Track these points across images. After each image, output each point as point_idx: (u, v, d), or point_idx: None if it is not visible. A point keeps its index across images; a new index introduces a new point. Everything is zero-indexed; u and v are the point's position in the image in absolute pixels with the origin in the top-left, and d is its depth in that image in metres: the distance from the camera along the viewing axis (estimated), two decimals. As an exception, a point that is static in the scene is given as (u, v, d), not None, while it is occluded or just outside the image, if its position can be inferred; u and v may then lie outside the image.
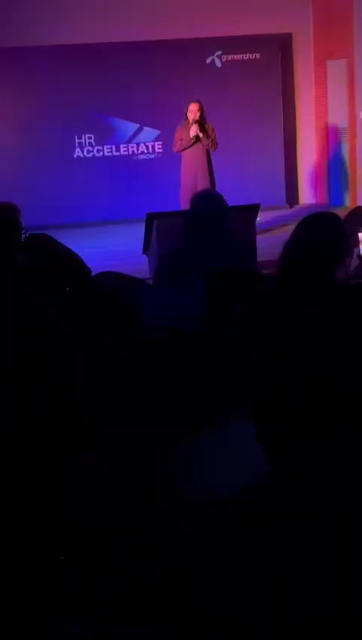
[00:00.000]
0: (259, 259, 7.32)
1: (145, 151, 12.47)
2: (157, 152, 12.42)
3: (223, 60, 12.41)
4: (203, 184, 9.41)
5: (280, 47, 12.67)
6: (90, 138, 12.24)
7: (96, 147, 12.31)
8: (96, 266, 4.31)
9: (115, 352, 1.86)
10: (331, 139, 12.89)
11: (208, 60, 12.38)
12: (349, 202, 12.05)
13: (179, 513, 1.46)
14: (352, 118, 12.11)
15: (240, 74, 12.34)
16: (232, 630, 1.28)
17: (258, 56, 12.45)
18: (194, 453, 1.63)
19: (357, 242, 4.92)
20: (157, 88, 11.96)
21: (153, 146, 12.44)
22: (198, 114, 9.54)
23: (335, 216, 3.31)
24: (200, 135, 9.56)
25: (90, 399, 1.79)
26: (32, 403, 1.97)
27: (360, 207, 7.22)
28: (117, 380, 1.78)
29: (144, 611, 1.49)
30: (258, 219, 8.89)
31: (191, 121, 9.56)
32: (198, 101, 9.62)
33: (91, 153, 12.31)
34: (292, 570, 1.26)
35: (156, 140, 12.37)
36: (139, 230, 8.92)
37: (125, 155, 12.43)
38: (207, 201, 4.45)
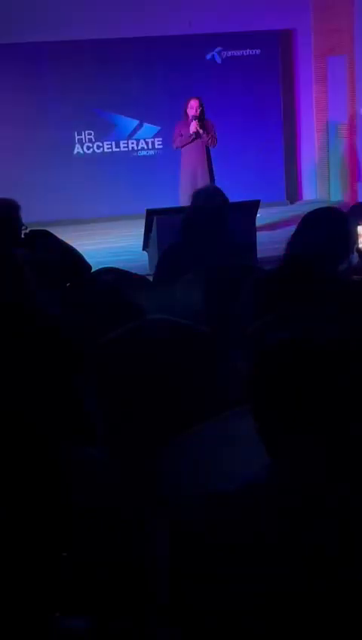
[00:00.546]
0: (259, 255, 7.31)
1: (145, 147, 12.46)
2: (157, 149, 12.40)
3: (223, 56, 12.38)
4: (202, 180, 9.40)
5: (281, 43, 12.65)
6: (89, 134, 12.22)
7: (96, 143, 12.29)
8: (95, 262, 4.31)
9: (115, 348, 1.86)
10: (331, 135, 12.87)
11: (208, 56, 12.35)
12: (349, 198, 12.03)
13: (179, 508, 1.46)
14: (352, 114, 12.10)
15: (240, 70, 12.32)
16: (230, 625, 1.27)
17: (258, 52, 12.43)
18: (194, 447, 1.63)
19: (357, 237, 4.91)
20: (157, 84, 11.94)
21: (153, 143, 12.43)
22: (198, 110, 9.53)
23: (339, 211, 3.31)
24: (200, 131, 9.54)
25: (90, 395, 1.79)
26: (32, 399, 1.97)
27: (360, 203, 7.21)
28: (117, 376, 1.78)
29: (144, 607, 1.49)
30: (258, 215, 8.88)
31: (191, 118, 9.55)
32: (198, 97, 9.60)
33: (91, 149, 12.30)
34: (292, 566, 1.26)
35: (156, 136, 12.35)
36: (139, 226, 8.91)
37: (125, 152, 12.41)
38: (209, 196, 4.45)
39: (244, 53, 12.41)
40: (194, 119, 9.51)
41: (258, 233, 8.49)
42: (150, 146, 12.44)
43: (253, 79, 12.29)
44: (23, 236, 4.44)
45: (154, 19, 11.66)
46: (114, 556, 1.57)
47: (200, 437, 1.65)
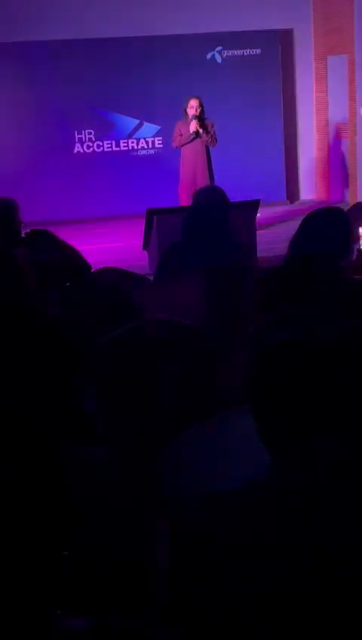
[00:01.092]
0: (259, 254, 7.31)
1: (146, 146, 12.46)
2: (158, 148, 12.40)
3: (223, 56, 12.38)
4: (202, 180, 9.40)
5: (281, 42, 12.65)
6: (90, 133, 12.22)
7: (96, 142, 12.29)
8: (96, 262, 4.31)
9: (115, 348, 1.86)
10: (331, 134, 12.87)
11: (208, 56, 12.35)
12: (349, 198, 12.03)
13: (179, 508, 1.46)
14: (352, 113, 12.09)
15: (240, 69, 12.31)
16: (230, 625, 1.27)
17: (258, 51, 12.42)
18: (195, 446, 1.63)
19: (357, 238, 4.92)
20: (158, 84, 11.94)
21: (153, 142, 12.43)
22: (198, 110, 9.53)
23: (340, 212, 3.32)
24: (200, 131, 9.54)
25: (90, 394, 1.79)
26: (32, 399, 1.97)
27: (360, 202, 7.21)
28: (117, 376, 1.78)
29: (144, 607, 1.49)
30: (258, 214, 8.88)
31: (190, 117, 9.55)
32: (198, 97, 9.60)
33: (91, 149, 12.30)
34: (292, 566, 1.26)
35: (156, 135, 12.35)
36: (139, 226, 8.91)
37: (125, 151, 12.41)
38: (211, 196, 4.45)
39: (245, 53, 12.41)
40: (194, 119, 9.51)
41: (258, 233, 8.49)
42: (150, 146, 12.44)
43: (253, 79, 12.28)
44: (23, 236, 4.45)
45: (154, 19, 11.65)
46: (114, 556, 1.57)
47: (200, 437, 1.65)
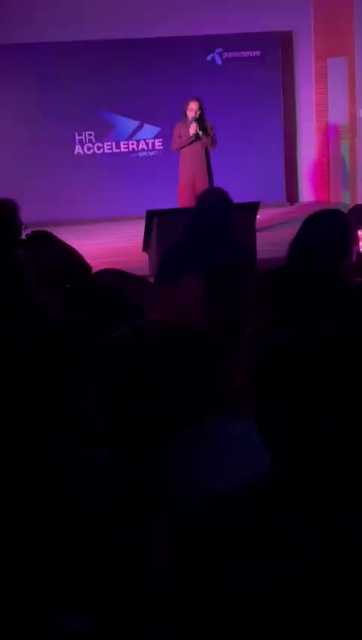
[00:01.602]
0: (259, 256, 7.31)
1: (146, 148, 12.46)
2: (158, 149, 12.41)
3: (224, 58, 12.39)
4: (201, 182, 9.39)
5: (281, 44, 12.66)
6: (90, 135, 12.23)
7: (97, 144, 12.30)
8: (96, 263, 4.31)
9: (115, 348, 1.86)
10: (331, 136, 12.88)
11: (208, 58, 12.36)
12: (349, 200, 12.04)
13: (179, 508, 1.46)
14: (352, 115, 12.10)
15: (240, 71, 12.32)
16: (230, 625, 1.28)
17: (258, 53, 12.43)
18: (195, 447, 1.63)
19: (357, 240, 4.92)
20: (158, 85, 11.94)
21: (153, 143, 12.43)
22: (198, 112, 9.52)
23: (341, 214, 3.33)
24: (200, 133, 9.53)
25: (90, 395, 1.79)
26: (32, 399, 1.97)
27: (360, 205, 7.21)
28: (117, 376, 1.78)
29: (144, 606, 1.49)
30: (258, 216, 8.88)
31: (190, 119, 9.54)
32: (198, 99, 9.59)
33: (91, 150, 12.30)
34: (292, 566, 1.26)
35: (156, 137, 12.35)
36: (140, 227, 8.91)
37: (125, 152, 12.41)
38: (216, 198, 4.46)
39: (245, 55, 12.42)
40: (194, 121, 9.50)
41: (257, 234, 8.49)
42: (150, 147, 12.45)
43: (254, 81, 12.29)
44: (23, 236, 4.44)
45: (154, 19, 11.66)
46: (114, 556, 1.57)
47: (200, 437, 1.65)
